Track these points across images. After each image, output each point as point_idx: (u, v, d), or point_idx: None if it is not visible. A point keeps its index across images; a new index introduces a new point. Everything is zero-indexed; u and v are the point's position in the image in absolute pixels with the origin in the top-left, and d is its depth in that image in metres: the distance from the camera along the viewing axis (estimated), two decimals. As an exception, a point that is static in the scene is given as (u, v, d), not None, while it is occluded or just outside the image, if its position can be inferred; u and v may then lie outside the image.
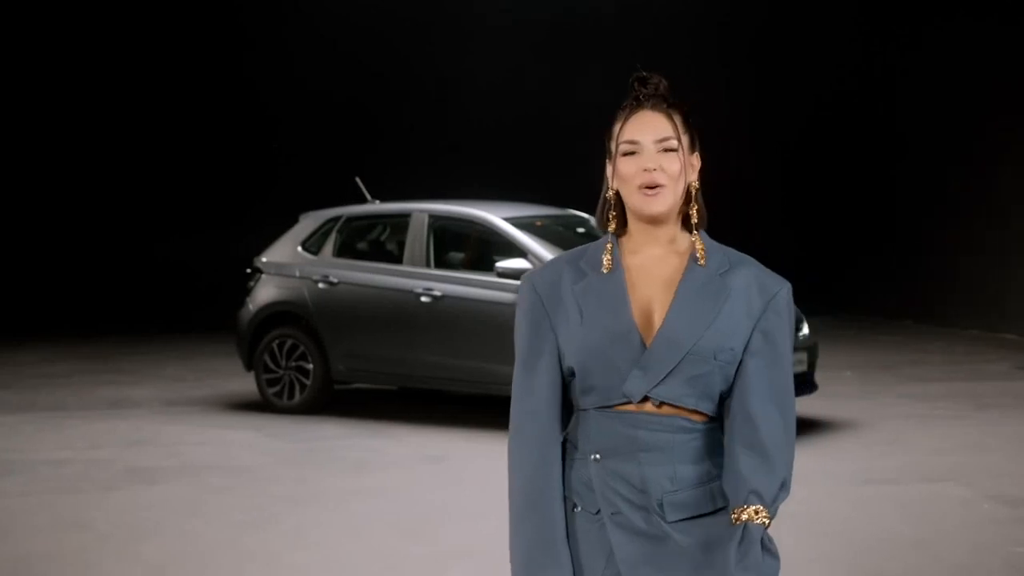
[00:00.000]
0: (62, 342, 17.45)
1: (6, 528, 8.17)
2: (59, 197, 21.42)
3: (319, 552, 7.62)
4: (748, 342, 3.08)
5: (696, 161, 3.15)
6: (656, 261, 3.12)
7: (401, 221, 12.01)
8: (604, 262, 3.11)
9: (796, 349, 11.07)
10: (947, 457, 10.16)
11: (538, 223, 12.03)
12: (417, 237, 11.76)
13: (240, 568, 7.34)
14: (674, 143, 3.07)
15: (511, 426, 3.17)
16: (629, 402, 3.05)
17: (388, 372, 11.86)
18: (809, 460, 9.97)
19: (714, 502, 3.08)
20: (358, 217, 12.33)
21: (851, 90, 21.13)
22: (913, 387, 13.67)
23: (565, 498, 3.11)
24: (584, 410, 3.12)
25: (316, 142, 21.33)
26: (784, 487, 3.08)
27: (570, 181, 16.29)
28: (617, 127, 3.11)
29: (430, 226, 11.81)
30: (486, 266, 11.48)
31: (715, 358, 3.04)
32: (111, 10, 21.20)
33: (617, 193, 3.13)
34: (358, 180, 12.76)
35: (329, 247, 12.16)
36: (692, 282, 3.08)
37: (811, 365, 11.30)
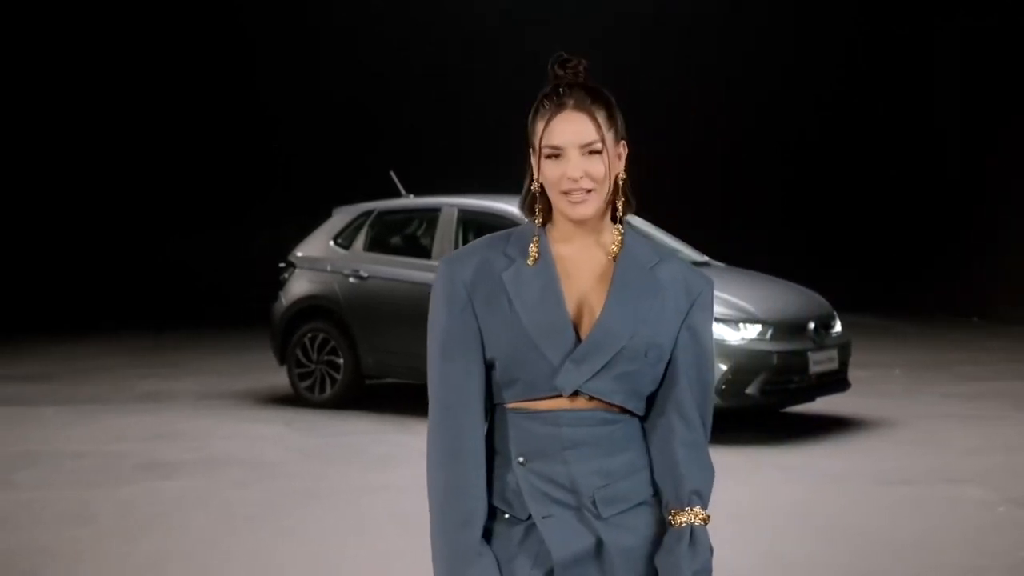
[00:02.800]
0: (118, 336, 17.62)
1: (10, 520, 8.20)
2: (78, 196, 21.65)
3: (312, 548, 7.57)
4: (676, 339, 3.01)
5: (623, 150, 3.03)
6: (585, 252, 3.03)
7: (431, 215, 11.96)
8: (531, 253, 3.00)
9: (827, 347, 10.92)
10: (976, 458, 9.95)
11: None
12: (447, 231, 11.71)
13: (227, 563, 7.32)
14: (599, 145, 2.95)
15: (431, 420, 3.04)
16: (551, 397, 2.95)
17: (417, 367, 11.77)
18: (832, 459, 9.84)
19: (645, 491, 3.01)
20: (390, 212, 12.30)
21: (897, 83, 20.85)
22: (961, 386, 13.43)
23: (492, 507, 3.01)
24: (503, 410, 3.02)
25: (327, 141, 21.39)
26: (712, 484, 3.05)
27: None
28: (540, 126, 2.98)
29: (459, 220, 11.76)
30: (513, 261, 11.39)
31: (646, 355, 2.96)
32: (117, 11, 21.35)
33: (542, 185, 3.03)
34: (392, 174, 12.73)
35: (360, 241, 12.15)
36: (626, 276, 2.99)
37: (843, 363, 11.13)
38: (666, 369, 3.02)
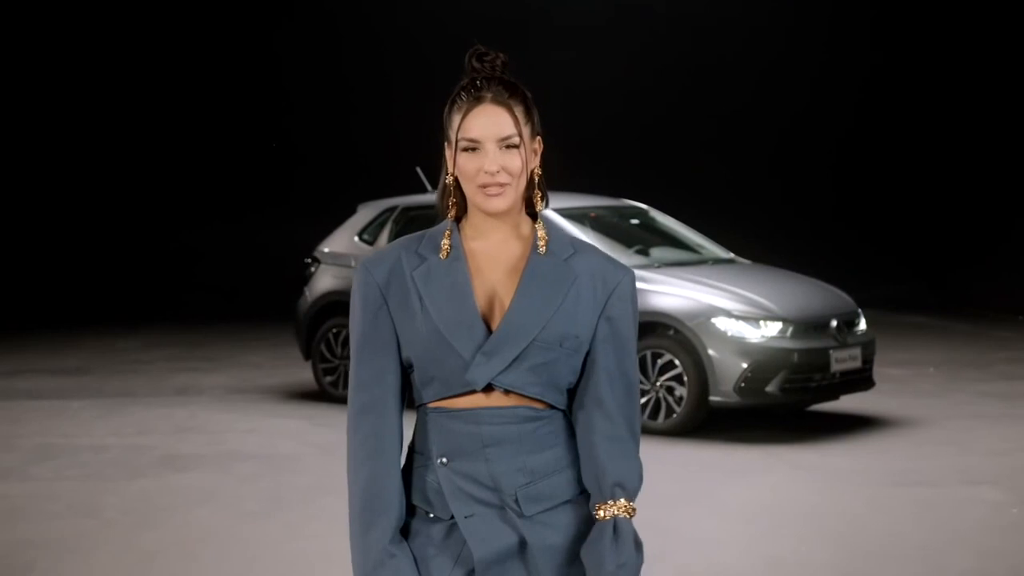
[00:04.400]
0: (156, 330, 17.74)
1: (19, 513, 8.26)
2: (103, 191, 21.80)
3: (316, 544, 7.58)
4: (595, 330, 2.99)
5: (538, 145, 3.02)
6: (499, 246, 3.01)
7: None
8: (443, 247, 2.99)
9: (850, 345, 10.81)
10: (998, 459, 9.81)
11: (592, 214, 11.90)
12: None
13: (225, 557, 7.34)
14: (516, 140, 2.94)
15: (348, 423, 3.04)
16: (471, 393, 2.94)
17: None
18: (849, 458, 9.74)
19: (570, 489, 2.99)
20: (414, 207, 12.29)
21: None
22: (997, 385, 13.25)
23: (415, 507, 3.00)
24: (424, 410, 3.01)
25: (352, 135, 21.44)
26: (641, 476, 3.02)
27: (628, 171, 16.01)
28: (456, 119, 2.96)
29: (483, 216, 11.71)
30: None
31: (561, 345, 2.94)
32: (136, 3, 21.47)
33: (456, 178, 3.01)
34: (419, 170, 12.72)
35: (385, 237, 12.15)
36: (537, 267, 2.98)
37: (867, 362, 11.01)
38: (585, 361, 3.00)
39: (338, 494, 8.63)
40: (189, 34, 22.07)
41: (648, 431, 10.53)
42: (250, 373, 14.11)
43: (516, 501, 2.95)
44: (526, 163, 2.96)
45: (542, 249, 2.99)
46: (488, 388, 2.94)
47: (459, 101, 2.98)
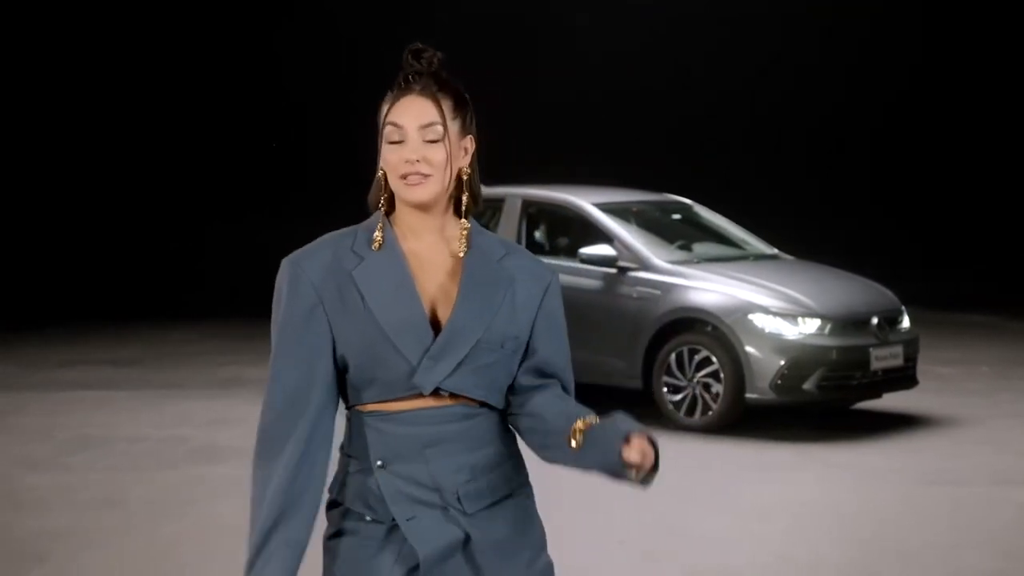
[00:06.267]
0: (209, 321, 17.84)
1: (45, 503, 8.33)
2: (133, 184, 21.95)
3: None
4: (533, 327, 3.01)
5: (469, 145, 3.02)
6: (431, 248, 3.01)
7: (495, 205, 11.90)
8: (375, 239, 2.97)
9: (891, 342, 10.68)
10: (1035, 459, 9.66)
11: (634, 209, 11.84)
12: (510, 221, 11.66)
13: (242, 550, 7.35)
14: (439, 131, 2.94)
15: (261, 420, 3.00)
16: (410, 396, 2.92)
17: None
18: (881, 457, 9.65)
19: (510, 483, 3.00)
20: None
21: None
22: (1050, 385, 13.03)
23: (352, 511, 2.98)
24: (358, 413, 2.98)
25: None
26: None
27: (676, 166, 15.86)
28: (385, 108, 2.98)
29: (523, 210, 11.71)
30: (574, 252, 11.33)
31: (503, 346, 2.95)
32: (133, 4, 21.57)
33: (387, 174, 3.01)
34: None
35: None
36: (475, 269, 2.98)
37: (908, 359, 10.87)
38: (524, 358, 3.01)
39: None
40: (189, 34, 22.16)
41: (684, 428, 10.49)
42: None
43: (459, 499, 2.93)
44: (451, 158, 2.95)
45: (460, 248, 2.98)
46: (434, 391, 2.92)
47: (389, 94, 2.99)
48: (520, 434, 3.05)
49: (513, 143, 19.58)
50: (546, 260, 11.05)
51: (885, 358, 10.62)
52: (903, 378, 10.92)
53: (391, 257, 2.96)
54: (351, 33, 21.56)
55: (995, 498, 8.53)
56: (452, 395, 2.93)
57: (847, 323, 10.56)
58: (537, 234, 11.91)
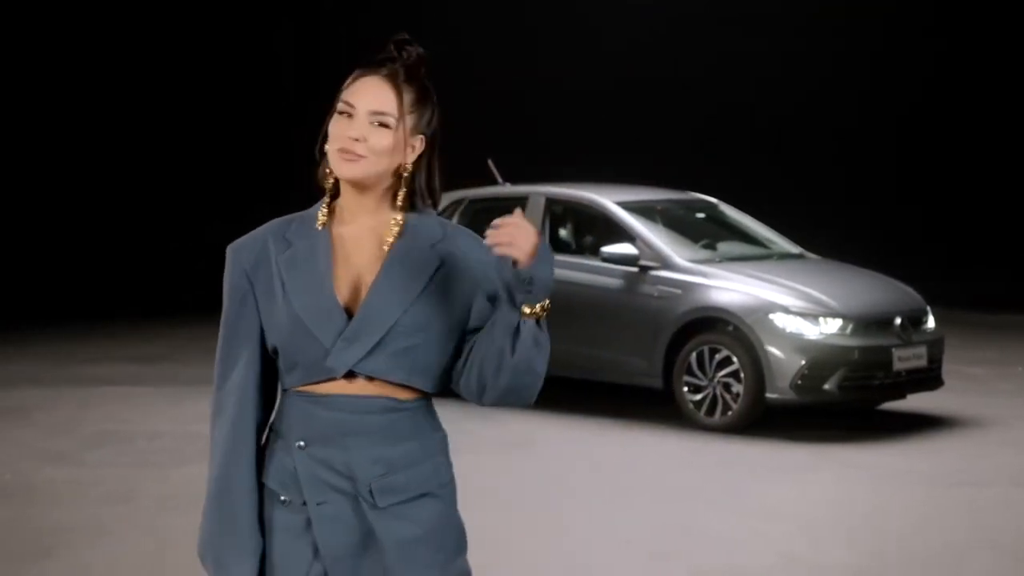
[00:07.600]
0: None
1: (58, 498, 8.36)
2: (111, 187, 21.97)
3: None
4: (473, 306, 2.98)
5: (419, 145, 3.01)
6: (366, 232, 3.02)
7: (520, 203, 11.85)
8: (319, 218, 3.01)
9: (915, 343, 10.58)
10: (1056, 461, 9.55)
11: (659, 208, 11.78)
12: (533, 220, 11.61)
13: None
14: (389, 120, 2.95)
15: (211, 408, 3.08)
16: (333, 379, 2.94)
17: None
18: (901, 458, 9.59)
19: (428, 482, 2.99)
20: (480, 200, 12.23)
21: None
22: (1084, 387, 12.88)
23: (270, 490, 3.02)
24: (288, 393, 3.03)
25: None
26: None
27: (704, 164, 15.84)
28: (348, 81, 3.00)
29: (547, 208, 11.67)
30: (597, 251, 11.28)
31: (425, 330, 2.93)
32: (134, 3, 21.58)
33: None
34: (490, 162, 12.66)
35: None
36: (400, 254, 2.97)
37: (933, 360, 10.76)
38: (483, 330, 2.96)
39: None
40: (189, 34, 22.18)
41: (704, 427, 10.42)
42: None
43: (371, 492, 2.94)
44: (395, 150, 2.95)
45: (392, 233, 2.97)
46: (351, 375, 2.93)
47: (356, 71, 3.00)
48: (481, 393, 2.98)
49: (537, 139, 19.60)
50: (570, 259, 11.24)
51: (908, 359, 10.52)
52: (927, 379, 10.81)
53: (317, 244, 2.99)
54: (351, 33, 21.56)
55: (1013, 500, 8.44)
56: (378, 381, 2.93)
57: (869, 323, 10.46)
58: (561, 232, 11.89)
